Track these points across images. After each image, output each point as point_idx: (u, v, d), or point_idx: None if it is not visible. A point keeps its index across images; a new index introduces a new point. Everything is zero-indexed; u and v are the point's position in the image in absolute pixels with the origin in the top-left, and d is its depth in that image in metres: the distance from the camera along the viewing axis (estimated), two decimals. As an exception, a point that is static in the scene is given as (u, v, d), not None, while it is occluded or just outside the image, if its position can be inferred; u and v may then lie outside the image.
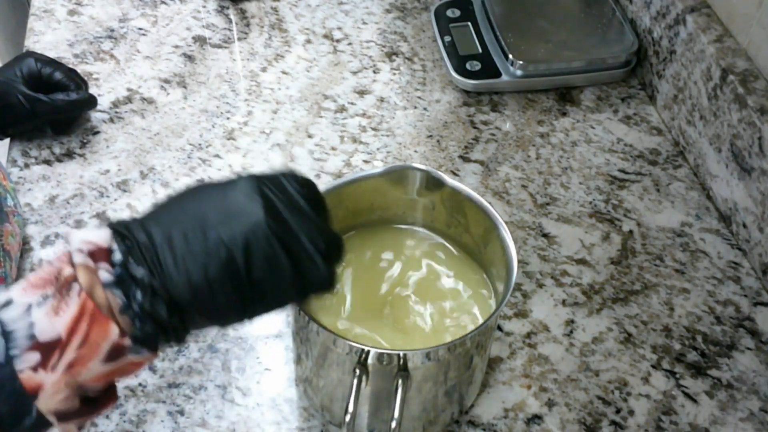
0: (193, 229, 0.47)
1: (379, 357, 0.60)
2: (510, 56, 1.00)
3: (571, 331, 0.79)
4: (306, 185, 0.52)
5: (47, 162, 0.91)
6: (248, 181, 0.49)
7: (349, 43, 1.08)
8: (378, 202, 0.74)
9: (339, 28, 1.10)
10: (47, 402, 0.46)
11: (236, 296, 0.48)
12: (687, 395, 0.75)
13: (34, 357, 0.45)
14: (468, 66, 1.01)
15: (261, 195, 0.49)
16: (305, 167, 0.92)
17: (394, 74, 1.04)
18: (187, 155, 0.93)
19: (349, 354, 0.61)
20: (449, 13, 1.08)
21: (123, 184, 0.90)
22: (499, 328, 0.78)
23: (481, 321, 0.70)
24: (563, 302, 0.81)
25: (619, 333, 0.79)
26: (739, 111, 0.83)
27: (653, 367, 0.77)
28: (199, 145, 0.94)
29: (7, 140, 0.94)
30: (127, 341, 0.47)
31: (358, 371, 0.60)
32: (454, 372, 0.65)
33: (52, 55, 1.00)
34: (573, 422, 0.72)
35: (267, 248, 0.47)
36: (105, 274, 0.46)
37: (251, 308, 0.49)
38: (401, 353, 0.59)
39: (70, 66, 0.97)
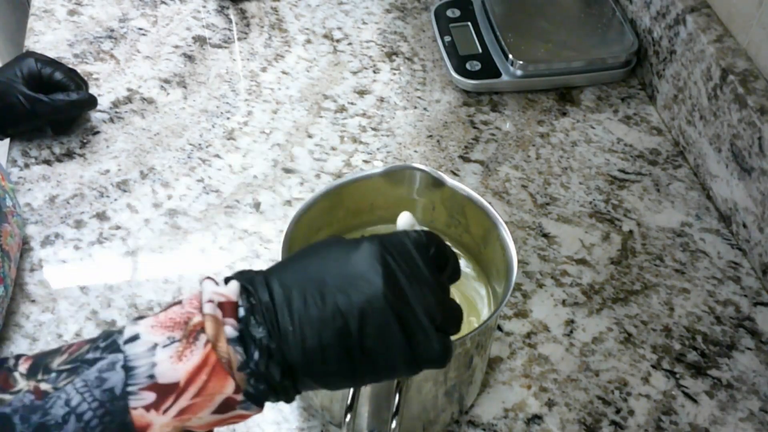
0: (312, 292, 0.48)
1: (379, 357, 0.60)
2: (510, 56, 1.00)
3: (571, 331, 0.79)
4: (432, 245, 0.51)
5: (47, 162, 0.91)
6: (371, 247, 0.49)
7: (349, 43, 1.08)
8: (378, 202, 0.74)
9: (339, 28, 1.10)
10: None
11: (347, 364, 0.48)
12: (687, 395, 0.75)
13: (150, 397, 0.46)
14: (468, 66, 1.01)
15: (382, 263, 0.48)
16: (305, 167, 0.92)
17: (394, 74, 1.04)
18: (187, 155, 0.93)
19: (349, 354, 0.61)
20: (449, 13, 1.08)
21: (123, 184, 0.90)
22: (499, 328, 0.78)
23: (481, 321, 0.70)
24: (563, 302, 0.81)
25: (619, 333, 0.79)
26: (739, 111, 0.83)
27: (653, 367, 0.77)
28: (199, 145, 0.94)
29: (7, 140, 0.94)
30: (240, 397, 0.47)
31: (358, 371, 0.60)
32: (454, 372, 0.65)
33: (52, 55, 1.00)
34: (573, 422, 0.72)
35: (382, 320, 0.47)
36: (230, 329, 0.47)
37: (360, 376, 0.49)
38: (401, 353, 0.59)
39: (70, 66, 0.97)
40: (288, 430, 0.71)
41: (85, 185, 0.89)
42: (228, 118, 0.98)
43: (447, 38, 1.05)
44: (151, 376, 0.45)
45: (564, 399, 0.74)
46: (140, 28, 1.09)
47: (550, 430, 0.72)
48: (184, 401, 0.46)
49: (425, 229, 0.54)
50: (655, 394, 0.75)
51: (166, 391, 0.46)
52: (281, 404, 0.72)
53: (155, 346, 0.46)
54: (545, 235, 0.87)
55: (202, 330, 0.46)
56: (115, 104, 0.98)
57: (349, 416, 0.58)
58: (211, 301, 0.47)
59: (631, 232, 0.88)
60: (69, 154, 0.93)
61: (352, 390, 0.59)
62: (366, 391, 0.63)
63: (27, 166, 0.91)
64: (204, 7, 1.12)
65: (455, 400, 0.69)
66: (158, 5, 1.12)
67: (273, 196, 0.89)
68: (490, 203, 0.69)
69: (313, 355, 0.47)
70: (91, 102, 0.93)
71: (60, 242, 0.84)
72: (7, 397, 0.45)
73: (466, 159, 0.94)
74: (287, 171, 0.92)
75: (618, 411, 0.73)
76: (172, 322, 0.47)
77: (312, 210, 0.68)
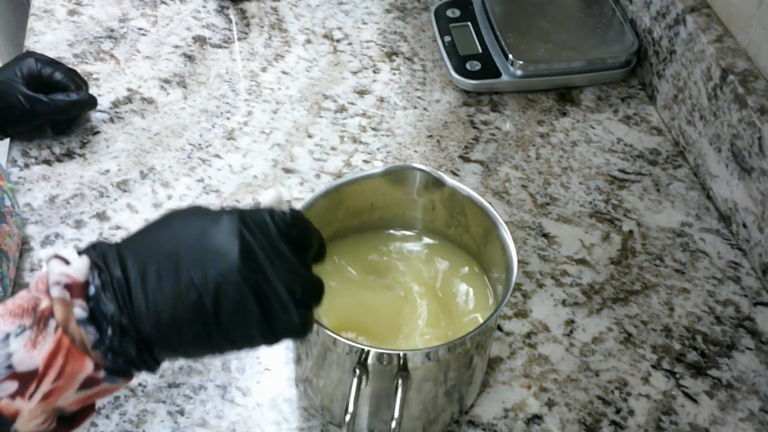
0: (166, 266, 0.48)
1: (379, 357, 0.60)
2: (510, 56, 1.00)
3: (571, 331, 0.79)
4: (294, 223, 0.51)
5: (47, 162, 0.91)
6: (230, 221, 0.49)
7: (349, 43, 1.08)
8: (378, 202, 0.74)
9: (339, 28, 1.10)
10: (25, 425, 0.47)
11: (203, 337, 0.48)
12: (687, 395, 0.75)
13: (12, 386, 0.46)
14: (468, 66, 1.01)
15: (240, 238, 0.48)
16: (305, 167, 0.92)
17: (394, 74, 1.04)
18: (187, 155, 0.93)
19: (349, 354, 0.61)
20: (449, 13, 1.08)
21: (123, 184, 0.90)
22: (499, 328, 0.78)
23: (481, 321, 0.70)
24: (563, 302, 0.81)
25: (619, 333, 0.79)
26: (739, 111, 0.83)
27: (653, 367, 0.77)
28: (199, 145, 0.94)
29: (7, 140, 0.94)
30: (101, 373, 0.48)
31: (358, 371, 0.60)
32: (454, 372, 0.65)
33: (52, 55, 1.00)
34: (573, 422, 0.72)
35: (237, 295, 0.48)
36: (79, 310, 0.47)
37: (218, 348, 0.50)
38: (401, 353, 0.59)
39: (70, 66, 0.97)
40: (288, 430, 0.71)
41: (85, 185, 0.89)
42: (228, 118, 0.98)
43: (447, 38, 1.05)
44: (9, 366, 0.46)
45: (564, 399, 0.74)
46: (140, 28, 1.09)
47: (550, 430, 0.72)
48: (46, 386, 0.46)
49: (292, 208, 0.53)
50: (655, 394, 0.75)
51: (27, 379, 0.46)
52: (281, 404, 0.72)
53: (8, 336, 0.46)
54: (545, 235, 0.87)
55: (52, 314, 0.46)
56: (115, 104, 0.98)
57: (349, 416, 0.58)
58: (57, 283, 0.47)
59: (631, 232, 0.88)
60: (69, 154, 0.93)
61: (352, 390, 0.59)
62: (366, 391, 0.63)
63: (27, 166, 0.91)
64: (204, 7, 1.12)
65: (455, 400, 0.69)
66: (158, 5, 1.12)
67: (273, 196, 0.89)
68: (490, 203, 0.69)
69: (169, 330, 0.47)
70: (91, 102, 0.93)
71: (60, 242, 0.84)
72: None
73: (466, 159, 0.94)
74: (287, 171, 0.92)
75: (618, 411, 0.73)
76: (20, 309, 0.47)
77: (312, 210, 0.68)
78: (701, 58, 0.90)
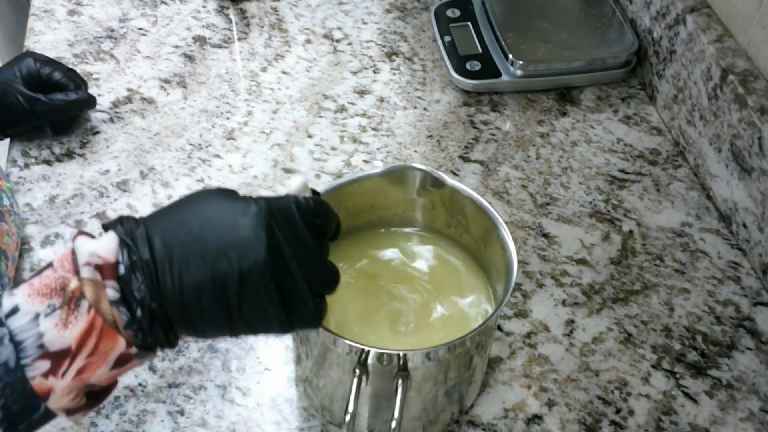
0: (194, 252, 0.49)
1: (379, 357, 0.60)
2: (510, 56, 1.00)
3: (571, 331, 0.79)
4: (319, 215, 0.53)
5: (47, 162, 0.91)
6: (258, 213, 0.50)
7: (349, 43, 1.08)
8: (378, 202, 0.74)
9: (339, 28, 1.10)
10: (57, 402, 0.48)
11: (224, 321, 0.50)
12: (687, 395, 0.75)
13: (45, 365, 0.47)
14: (468, 66, 1.01)
15: (267, 232, 0.50)
16: (305, 167, 0.92)
17: (394, 74, 1.04)
18: (187, 155, 0.93)
19: (349, 354, 0.61)
20: (449, 13, 1.08)
21: (123, 184, 0.90)
22: (499, 328, 0.78)
23: (481, 321, 0.70)
24: (563, 302, 0.81)
25: (619, 333, 0.79)
26: (739, 111, 0.83)
27: (653, 367, 0.77)
28: (199, 145, 0.94)
29: (7, 140, 0.94)
30: (133, 350, 0.49)
31: (358, 371, 0.60)
32: (454, 372, 0.65)
33: (52, 55, 1.00)
34: (573, 422, 0.72)
35: (261, 287, 0.50)
36: (112, 291, 0.48)
37: (236, 332, 0.52)
38: (401, 353, 0.59)
39: (70, 66, 0.97)
40: (288, 430, 0.71)
41: (85, 185, 0.89)
42: (228, 118, 0.98)
43: (447, 38, 1.05)
44: (41, 346, 0.47)
45: (564, 399, 0.74)
46: (140, 28, 1.09)
47: (550, 430, 0.72)
48: (79, 363, 0.47)
49: (315, 196, 0.56)
50: (655, 394, 0.75)
51: (59, 357, 0.47)
52: (281, 404, 0.72)
53: (37, 316, 0.47)
54: (545, 235, 0.87)
55: (82, 295, 0.47)
56: (115, 104, 0.98)
57: (349, 416, 0.58)
58: (88, 263, 0.48)
59: (631, 232, 0.88)
60: (69, 154, 0.93)
61: (352, 390, 0.59)
62: (366, 391, 0.63)
63: (27, 166, 0.91)
64: (204, 7, 1.12)
65: (455, 400, 0.69)
66: (158, 5, 1.12)
67: (273, 196, 0.89)
68: (490, 203, 0.69)
69: (192, 313, 0.49)
70: (91, 102, 0.93)
71: (60, 242, 0.84)
72: None
73: (466, 159, 0.94)
74: (287, 171, 0.92)
75: (618, 411, 0.73)
76: (48, 288, 0.48)
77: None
78: (701, 58, 0.90)
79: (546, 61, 1.01)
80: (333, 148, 0.95)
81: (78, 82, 0.93)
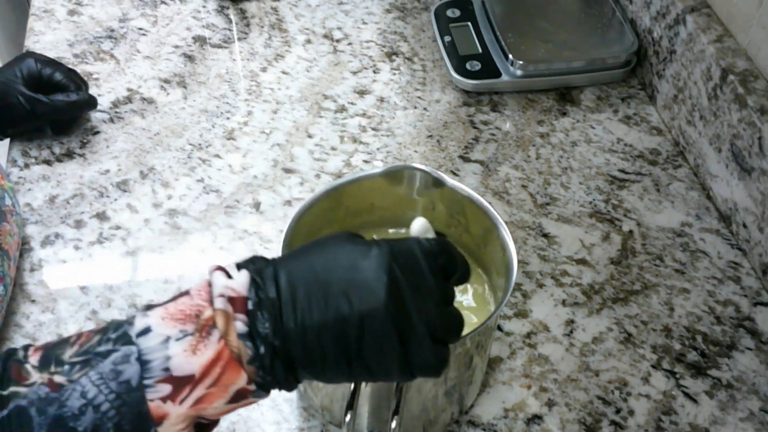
0: (317, 293, 0.49)
1: (379, 357, 0.60)
2: (510, 56, 1.00)
3: (571, 331, 0.79)
4: (443, 255, 0.52)
5: (47, 162, 0.91)
6: (380, 255, 0.49)
7: (349, 43, 1.08)
8: (378, 202, 0.74)
9: (339, 28, 1.10)
10: (167, 429, 0.48)
11: (343, 365, 0.49)
12: (687, 395, 0.75)
13: (166, 389, 0.47)
14: (468, 66, 1.01)
15: (389, 274, 0.49)
16: (305, 167, 0.92)
17: (394, 74, 1.04)
18: (187, 155, 0.93)
19: (349, 354, 0.61)
20: (449, 13, 1.08)
21: (123, 184, 0.90)
22: (499, 328, 0.78)
23: (481, 321, 0.70)
24: (563, 302, 0.81)
25: (619, 333, 0.79)
26: (739, 111, 0.83)
27: (653, 367, 0.77)
28: (199, 145, 0.94)
29: (7, 140, 0.94)
30: (252, 387, 0.49)
31: (358, 371, 0.60)
32: (454, 372, 0.65)
33: (52, 55, 1.00)
34: (573, 422, 0.72)
35: (381, 331, 0.48)
36: (240, 324, 0.48)
37: (356, 376, 0.51)
38: (401, 353, 0.59)
39: (70, 66, 0.97)
40: (288, 430, 0.71)
41: (85, 185, 0.89)
42: (228, 118, 0.98)
43: (447, 38, 1.05)
44: (167, 369, 0.46)
45: (564, 399, 0.74)
46: (140, 28, 1.09)
47: (550, 430, 0.72)
48: (200, 391, 0.47)
49: (438, 237, 0.55)
50: (655, 394, 0.75)
51: (181, 383, 0.47)
52: (281, 404, 0.72)
53: (168, 339, 0.47)
54: (545, 235, 0.87)
55: (214, 324, 0.47)
56: (115, 104, 0.98)
57: (349, 416, 0.58)
58: (222, 295, 0.48)
59: (631, 232, 0.88)
60: (69, 154, 0.93)
61: (352, 390, 0.59)
62: (366, 391, 0.63)
63: (27, 166, 0.91)
64: (204, 7, 1.12)
65: (455, 400, 0.69)
66: (158, 5, 1.12)
67: (273, 196, 0.89)
68: (490, 203, 0.69)
69: (313, 356, 0.48)
70: (91, 102, 0.93)
71: (60, 242, 0.84)
72: (22, 390, 0.46)
73: (466, 159, 0.94)
74: (287, 171, 0.92)
75: (618, 411, 0.73)
76: (182, 314, 0.48)
77: (312, 210, 0.68)
78: (701, 58, 0.90)
79: (546, 61, 1.01)
80: (333, 148, 0.95)
81: (78, 82, 0.93)
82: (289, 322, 0.48)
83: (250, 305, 0.48)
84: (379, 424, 0.67)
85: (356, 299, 0.48)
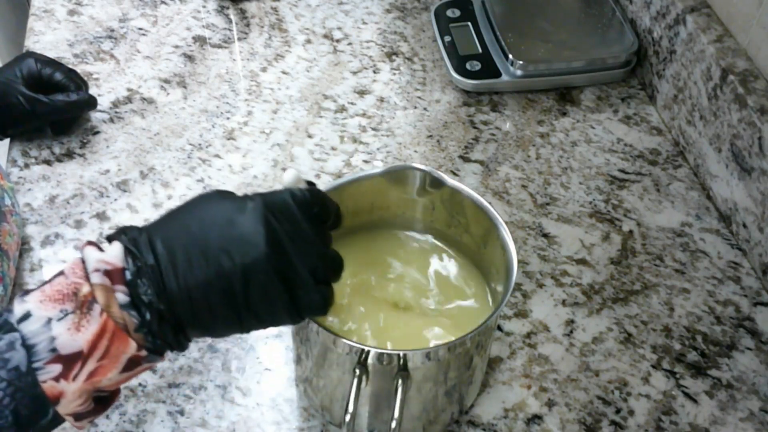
0: (196, 253, 0.50)
1: (379, 357, 0.60)
2: (510, 56, 1.00)
3: (571, 331, 0.79)
4: (316, 204, 0.54)
5: (47, 162, 0.91)
6: (255, 209, 0.51)
7: (349, 43, 1.08)
8: (378, 202, 0.74)
9: (339, 28, 1.10)
10: (66, 406, 0.49)
11: (234, 319, 0.51)
12: (687, 395, 0.75)
13: (56, 368, 0.48)
14: (468, 66, 1.01)
15: (266, 225, 0.51)
16: (305, 167, 0.92)
17: (394, 74, 1.04)
18: (187, 155, 0.93)
19: (349, 354, 0.61)
20: (449, 13, 1.08)
21: (123, 184, 0.90)
22: (499, 328, 0.78)
23: (481, 321, 0.70)
24: (563, 302, 0.81)
25: (619, 333, 0.79)
26: (739, 111, 0.83)
27: (653, 367, 0.77)
28: (199, 145, 0.94)
29: (7, 140, 0.94)
30: (143, 353, 0.50)
31: (358, 371, 0.60)
32: (454, 372, 0.65)
33: (52, 55, 1.00)
34: (573, 422, 0.72)
35: (265, 280, 0.50)
36: (121, 295, 0.49)
37: (247, 327, 0.53)
38: (401, 353, 0.59)
39: (70, 66, 0.97)
40: (288, 430, 0.71)
41: (85, 185, 0.89)
42: (228, 118, 0.98)
43: (447, 38, 1.05)
44: (53, 350, 0.48)
45: (564, 399, 0.74)
46: (140, 28, 1.09)
47: (550, 430, 0.72)
48: (91, 365, 0.48)
49: (310, 187, 0.57)
50: (655, 394, 0.75)
51: (71, 360, 0.48)
52: (281, 404, 0.72)
53: (50, 320, 0.48)
54: (545, 235, 0.87)
55: (94, 299, 0.48)
56: (115, 104, 0.98)
57: (349, 416, 0.58)
58: (97, 270, 0.49)
59: (631, 232, 0.88)
60: (69, 154, 0.93)
61: (352, 390, 0.59)
62: (366, 391, 0.63)
63: (27, 166, 0.91)
64: (204, 7, 1.12)
65: (455, 400, 0.69)
66: (158, 5, 1.12)
67: (273, 196, 0.89)
68: (490, 203, 0.69)
69: (201, 313, 0.50)
70: (91, 102, 0.93)
71: (60, 242, 0.84)
72: None
73: (466, 159, 0.94)
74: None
75: (618, 411, 0.73)
76: (60, 294, 0.49)
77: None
78: (701, 58, 0.90)
79: (546, 61, 1.01)
80: (333, 148, 0.95)
81: (79, 82, 0.93)
82: (172, 285, 0.49)
83: (128, 275, 0.49)
84: (379, 424, 0.67)
85: (237, 253, 0.50)
